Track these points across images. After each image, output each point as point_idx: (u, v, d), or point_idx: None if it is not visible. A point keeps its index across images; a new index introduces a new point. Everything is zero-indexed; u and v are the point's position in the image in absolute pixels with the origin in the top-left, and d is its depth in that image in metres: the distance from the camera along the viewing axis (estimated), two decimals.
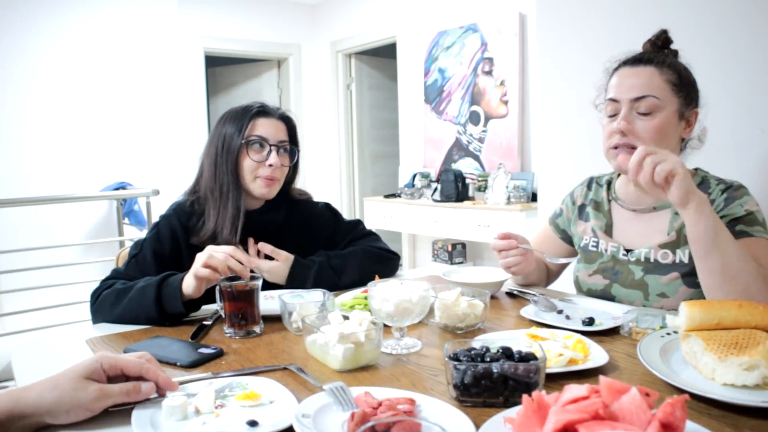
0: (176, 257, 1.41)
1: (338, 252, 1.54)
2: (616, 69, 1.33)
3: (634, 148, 1.20)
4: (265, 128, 1.45)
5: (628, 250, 1.35)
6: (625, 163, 1.19)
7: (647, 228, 1.34)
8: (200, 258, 1.19)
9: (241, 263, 1.18)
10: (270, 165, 1.43)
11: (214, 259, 1.17)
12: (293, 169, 1.57)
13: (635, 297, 1.31)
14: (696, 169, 1.35)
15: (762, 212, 1.24)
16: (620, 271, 1.35)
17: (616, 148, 1.27)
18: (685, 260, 1.25)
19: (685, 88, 1.28)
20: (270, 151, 1.44)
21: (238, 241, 1.41)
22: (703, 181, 1.31)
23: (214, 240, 1.39)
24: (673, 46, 1.34)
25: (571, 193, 1.55)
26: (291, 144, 1.50)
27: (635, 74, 1.27)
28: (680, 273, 1.25)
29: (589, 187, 1.51)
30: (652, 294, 1.28)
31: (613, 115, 1.29)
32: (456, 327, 1.12)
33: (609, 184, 1.47)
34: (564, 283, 1.57)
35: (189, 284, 1.21)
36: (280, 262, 1.43)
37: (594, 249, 1.42)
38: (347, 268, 1.49)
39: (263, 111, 1.47)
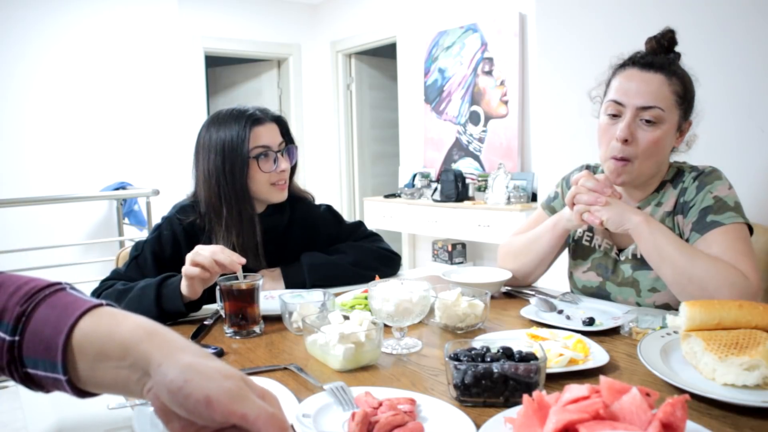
0: (177, 261, 1.39)
1: (332, 248, 1.58)
2: (622, 67, 1.27)
3: (628, 160, 1.23)
4: (266, 136, 1.42)
5: (620, 250, 1.35)
6: (613, 176, 1.26)
7: None
8: (188, 258, 1.19)
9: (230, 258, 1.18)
10: (282, 171, 1.44)
11: (200, 256, 1.17)
12: (293, 167, 1.57)
13: (628, 294, 1.32)
14: (671, 163, 1.34)
15: (734, 195, 1.23)
16: (612, 269, 1.36)
17: (613, 158, 1.25)
18: None
19: (687, 101, 1.25)
20: (276, 158, 1.44)
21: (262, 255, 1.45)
22: (678, 172, 1.31)
23: None
24: (676, 48, 1.32)
25: (566, 178, 1.52)
26: (288, 143, 1.50)
27: (645, 80, 1.22)
28: None
29: None
30: (644, 290, 1.29)
31: (615, 115, 1.25)
32: (456, 327, 1.12)
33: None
34: (559, 281, 1.57)
35: (184, 286, 1.21)
36: (272, 277, 1.45)
37: (587, 243, 1.42)
38: (340, 250, 1.55)
39: (258, 119, 1.43)
